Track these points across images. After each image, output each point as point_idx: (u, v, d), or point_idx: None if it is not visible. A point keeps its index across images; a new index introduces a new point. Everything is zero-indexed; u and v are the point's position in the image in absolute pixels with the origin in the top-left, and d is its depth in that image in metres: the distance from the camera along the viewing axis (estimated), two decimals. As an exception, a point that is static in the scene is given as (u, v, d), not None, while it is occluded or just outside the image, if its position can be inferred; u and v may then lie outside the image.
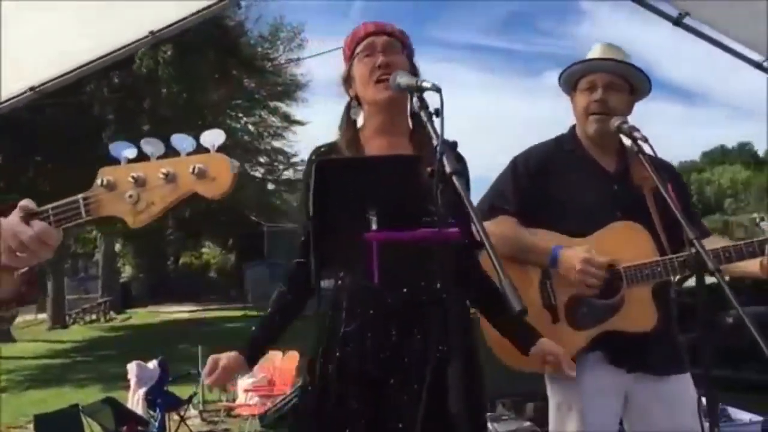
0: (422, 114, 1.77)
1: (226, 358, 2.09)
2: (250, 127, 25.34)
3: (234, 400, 7.80)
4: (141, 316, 24.72)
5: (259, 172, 25.52)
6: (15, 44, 3.08)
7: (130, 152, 1.30)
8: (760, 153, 60.90)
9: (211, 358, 2.09)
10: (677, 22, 3.84)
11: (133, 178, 1.26)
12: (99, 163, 1.30)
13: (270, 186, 26.83)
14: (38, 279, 1.53)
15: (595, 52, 2.50)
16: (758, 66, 3.89)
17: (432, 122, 1.75)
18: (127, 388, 7.30)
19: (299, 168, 26.13)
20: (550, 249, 2.32)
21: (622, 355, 2.34)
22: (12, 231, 1.29)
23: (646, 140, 2.20)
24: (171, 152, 1.27)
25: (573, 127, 2.62)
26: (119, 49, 3.30)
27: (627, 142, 2.47)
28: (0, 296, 1.47)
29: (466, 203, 1.63)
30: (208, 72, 18.19)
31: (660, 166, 2.55)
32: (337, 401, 2.05)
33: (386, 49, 2.09)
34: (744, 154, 67.31)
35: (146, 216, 1.27)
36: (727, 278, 1.89)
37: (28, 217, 1.31)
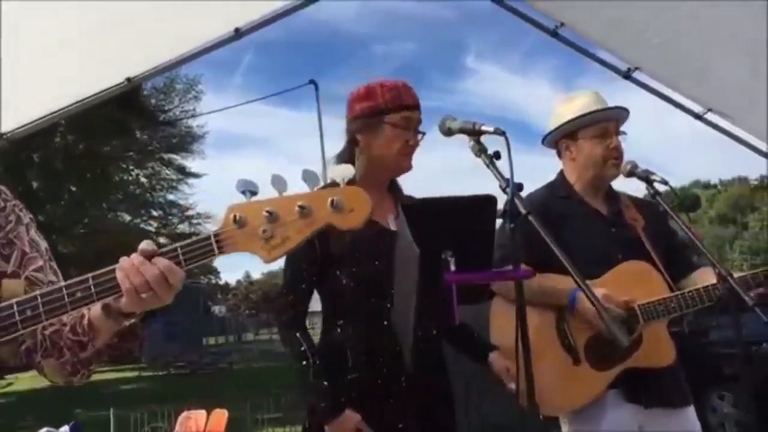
0: (483, 157, 1.81)
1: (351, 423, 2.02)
2: (143, 179, 24.58)
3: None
4: (23, 381, 22.97)
5: (152, 226, 24.67)
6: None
7: (253, 188, 1.25)
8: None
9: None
10: (627, 75, 4.08)
11: (267, 213, 1.21)
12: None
13: (163, 240, 25.98)
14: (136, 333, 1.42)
15: (589, 101, 2.60)
16: (698, 117, 4.18)
17: (494, 165, 1.79)
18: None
19: (194, 221, 25.52)
20: (568, 291, 2.37)
21: (639, 392, 2.41)
22: (136, 268, 1.21)
23: (666, 182, 2.32)
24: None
25: (562, 173, 2.72)
26: (96, 94, 3.15)
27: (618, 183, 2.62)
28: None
29: (548, 241, 1.68)
30: (105, 122, 17.61)
31: (649, 205, 2.71)
32: None
33: (418, 127, 2.18)
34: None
35: (281, 251, 1.22)
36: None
37: (150, 257, 1.22)
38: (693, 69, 3.97)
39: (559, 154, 2.70)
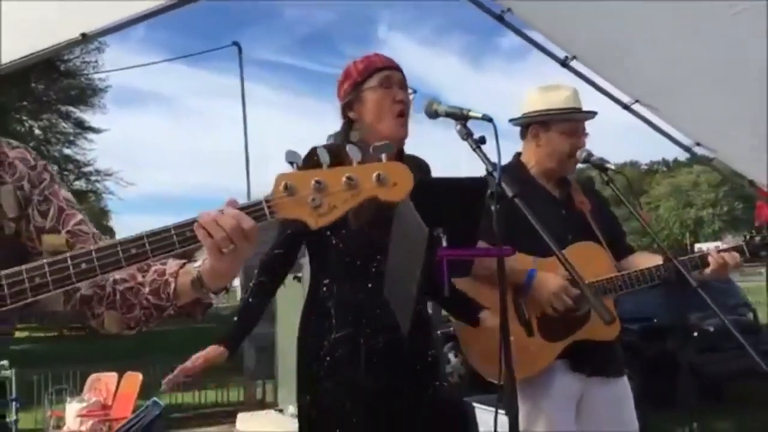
0: (469, 141, 1.93)
1: (205, 351, 2.16)
2: (37, 131, 23.39)
3: (60, 427, 7.19)
4: None
5: (46, 181, 23.51)
6: None
7: (299, 159, 1.32)
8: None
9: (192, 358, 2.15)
10: (564, 63, 4.29)
11: (316, 182, 1.28)
12: None
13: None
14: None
15: (568, 97, 2.77)
16: (626, 107, 4.45)
17: (480, 149, 1.92)
18: None
19: (92, 178, 24.55)
20: (526, 271, 2.53)
21: (583, 362, 2.61)
22: (214, 220, 1.24)
23: (619, 171, 2.51)
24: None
25: (518, 156, 2.87)
26: (49, 48, 3.06)
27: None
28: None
29: (533, 222, 1.82)
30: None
31: (593, 190, 2.92)
32: (330, 405, 2.18)
33: (402, 86, 2.26)
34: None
35: (327, 219, 1.29)
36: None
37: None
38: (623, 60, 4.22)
39: (522, 137, 2.84)
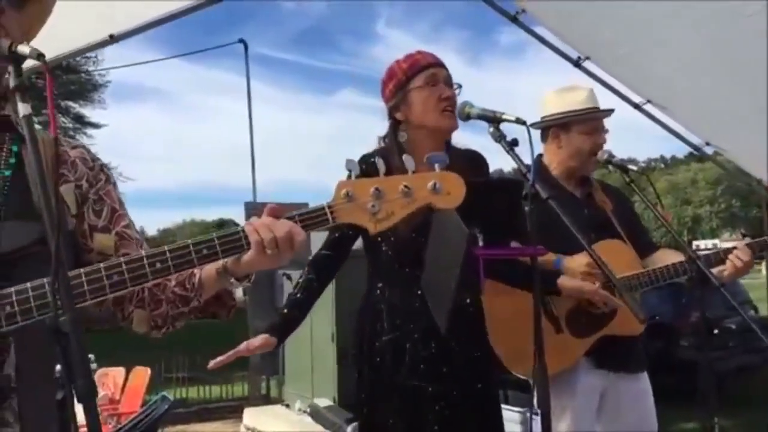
0: (502, 143, 1.98)
1: (257, 339, 2.20)
2: (37, 126, 23.31)
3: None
4: None
5: (45, 176, 23.52)
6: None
7: (357, 168, 1.38)
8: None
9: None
10: (577, 64, 4.35)
11: (375, 190, 1.33)
12: None
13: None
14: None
15: (586, 97, 2.82)
16: (637, 107, 4.52)
17: (513, 152, 1.97)
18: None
19: (91, 174, 24.49)
20: (553, 261, 2.58)
21: (607, 358, 2.67)
22: (266, 225, 1.30)
23: (642, 172, 2.56)
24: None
25: (539, 158, 2.92)
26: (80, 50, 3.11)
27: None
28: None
29: (566, 221, 1.88)
30: None
31: (615, 189, 2.98)
32: (379, 407, 2.23)
33: (448, 83, 2.28)
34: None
35: (386, 224, 1.35)
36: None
37: (278, 217, 1.33)
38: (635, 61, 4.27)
39: (543, 139, 2.89)
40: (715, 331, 6.05)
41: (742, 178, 5.41)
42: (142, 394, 6.91)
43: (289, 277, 8.07)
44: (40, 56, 1.12)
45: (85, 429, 0.99)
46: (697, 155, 5.15)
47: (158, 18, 3.13)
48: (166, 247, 1.29)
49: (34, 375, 1.26)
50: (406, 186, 1.35)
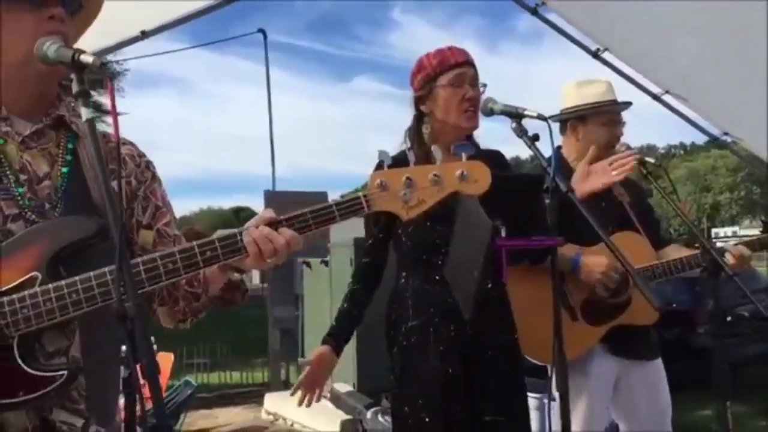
0: (524, 139, 2.06)
1: (316, 359, 2.31)
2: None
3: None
4: None
5: (66, 164, 23.81)
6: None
7: (389, 159, 1.47)
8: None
9: (307, 368, 2.31)
10: (595, 55, 4.40)
11: (407, 179, 1.43)
12: None
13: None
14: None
15: (606, 89, 2.90)
16: (656, 98, 4.56)
17: (535, 146, 2.05)
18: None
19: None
20: (572, 256, 2.66)
21: (622, 345, 2.75)
22: (265, 237, 1.38)
23: (659, 165, 2.63)
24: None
25: (559, 150, 2.99)
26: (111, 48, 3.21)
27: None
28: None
29: (585, 213, 1.96)
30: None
31: (632, 183, 3.04)
32: (407, 390, 2.32)
33: (473, 82, 2.36)
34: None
35: (417, 210, 1.45)
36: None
37: (277, 224, 1.41)
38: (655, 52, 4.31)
39: (562, 132, 2.97)
40: (729, 318, 6.10)
41: (760, 166, 5.42)
42: (166, 378, 7.05)
43: (308, 265, 8.17)
44: (102, 65, 1.20)
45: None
46: (717, 142, 5.17)
47: (187, 14, 3.21)
48: (214, 236, 1.38)
49: (97, 357, 1.38)
50: (435, 175, 1.44)
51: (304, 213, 1.43)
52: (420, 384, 2.29)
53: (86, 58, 1.23)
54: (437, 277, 2.29)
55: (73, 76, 1.24)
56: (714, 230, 49.48)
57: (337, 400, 6.23)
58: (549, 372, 2.83)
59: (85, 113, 1.21)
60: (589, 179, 2.49)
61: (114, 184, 1.49)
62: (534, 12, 4.26)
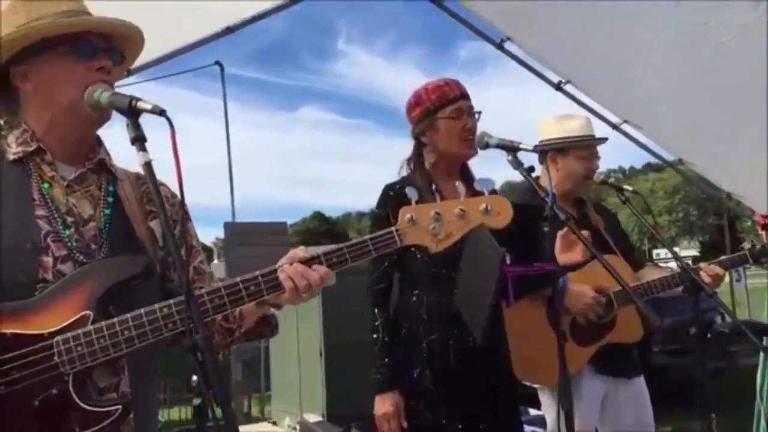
0: (520, 170, 2.18)
1: (390, 407, 2.39)
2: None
3: None
4: None
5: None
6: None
7: (415, 194, 1.56)
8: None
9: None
10: (558, 87, 4.57)
11: (435, 214, 1.51)
12: None
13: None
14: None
15: (583, 125, 3.07)
16: (615, 127, 4.76)
17: (531, 177, 2.17)
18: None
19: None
20: (559, 281, 2.77)
21: (607, 364, 2.87)
22: (300, 274, 1.46)
23: (636, 192, 2.79)
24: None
25: (536, 180, 3.12)
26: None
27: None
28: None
29: (586, 245, 2.08)
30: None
31: (605, 209, 3.21)
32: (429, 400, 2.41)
33: (470, 113, 2.53)
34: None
35: (445, 243, 1.54)
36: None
37: (311, 261, 1.49)
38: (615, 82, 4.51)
39: (540, 162, 3.10)
40: (708, 335, 6.32)
41: (708, 189, 5.64)
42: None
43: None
44: (162, 112, 1.25)
45: None
46: (654, 165, 5.42)
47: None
48: (221, 284, 1.44)
49: (144, 392, 1.42)
50: (461, 209, 1.54)
51: (340, 248, 1.51)
52: (446, 394, 2.38)
53: (143, 105, 1.28)
54: (455, 291, 2.37)
55: (128, 122, 1.29)
56: (655, 251, 50.88)
57: (307, 431, 6.22)
58: (539, 396, 2.95)
59: (142, 157, 1.26)
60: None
61: (157, 223, 1.55)
62: (500, 47, 4.40)
